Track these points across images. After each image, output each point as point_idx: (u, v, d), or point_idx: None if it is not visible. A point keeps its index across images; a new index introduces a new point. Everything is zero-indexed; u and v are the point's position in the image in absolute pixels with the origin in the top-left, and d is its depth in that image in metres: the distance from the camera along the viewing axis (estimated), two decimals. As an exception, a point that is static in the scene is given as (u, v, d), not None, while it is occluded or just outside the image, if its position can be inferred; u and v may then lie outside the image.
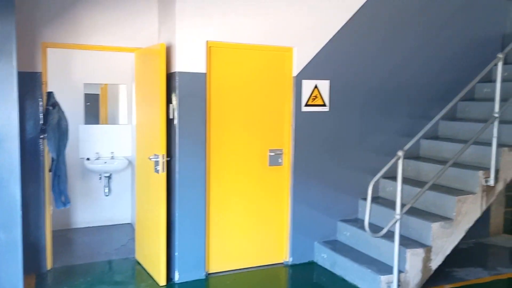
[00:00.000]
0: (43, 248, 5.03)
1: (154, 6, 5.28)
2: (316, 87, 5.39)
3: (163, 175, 4.66)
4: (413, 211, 4.84)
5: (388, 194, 5.58)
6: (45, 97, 4.95)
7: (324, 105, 5.45)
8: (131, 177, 7.01)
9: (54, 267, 5.22)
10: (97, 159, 6.85)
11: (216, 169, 5.03)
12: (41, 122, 4.89)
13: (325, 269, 5.30)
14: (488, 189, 4.80)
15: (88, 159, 6.82)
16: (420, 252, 4.52)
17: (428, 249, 4.55)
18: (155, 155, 4.71)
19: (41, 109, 4.90)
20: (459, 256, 5.63)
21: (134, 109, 5.94)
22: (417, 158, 5.81)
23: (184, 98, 4.73)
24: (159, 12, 5.23)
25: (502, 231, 6.54)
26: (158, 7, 5.27)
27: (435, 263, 4.63)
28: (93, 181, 6.96)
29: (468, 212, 4.72)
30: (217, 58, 4.91)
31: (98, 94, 7.12)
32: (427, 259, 4.57)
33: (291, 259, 5.46)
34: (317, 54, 5.32)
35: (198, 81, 4.77)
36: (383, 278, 4.44)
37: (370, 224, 4.47)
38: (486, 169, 4.82)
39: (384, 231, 4.24)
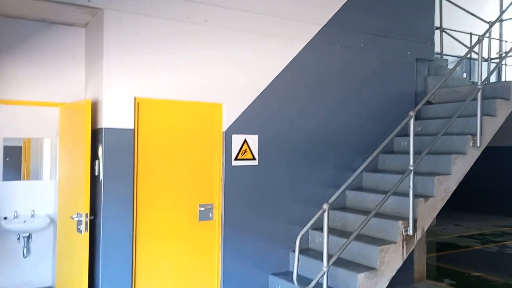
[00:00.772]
0: None
1: (81, 61, 5.24)
2: (245, 141, 5.52)
3: (86, 235, 4.46)
4: (340, 262, 4.96)
5: (317, 246, 5.70)
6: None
7: (253, 158, 5.57)
8: (53, 236, 6.61)
9: None
10: (16, 217, 6.41)
11: (144, 227, 4.90)
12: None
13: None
14: (408, 238, 5.06)
15: (5, 218, 6.36)
16: (348, 303, 4.60)
17: (355, 300, 4.65)
18: (78, 213, 4.51)
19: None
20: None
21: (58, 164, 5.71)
22: (344, 208, 6.02)
23: (110, 154, 4.64)
24: (86, 68, 5.20)
25: (425, 277, 6.84)
26: (85, 62, 5.24)
27: (363, 314, 4.72)
28: (10, 242, 6.46)
29: (390, 261, 4.92)
30: (145, 113, 4.91)
31: (20, 147, 6.77)
32: (355, 310, 4.65)
33: (222, 317, 5.33)
34: (246, 109, 5.49)
35: (126, 137, 4.72)
36: (313, 332, 4.44)
37: (300, 277, 4.52)
38: (405, 219, 5.10)
39: (312, 284, 4.30)
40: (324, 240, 4.30)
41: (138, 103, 4.84)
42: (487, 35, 6.13)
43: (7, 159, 6.49)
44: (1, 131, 6.48)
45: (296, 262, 4.17)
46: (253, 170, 5.55)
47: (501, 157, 11.36)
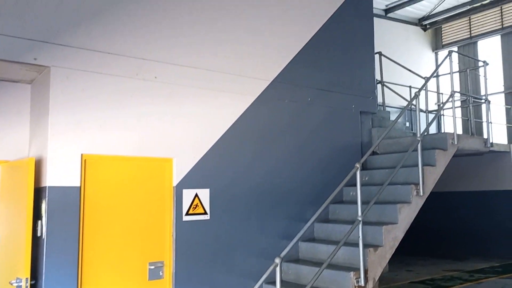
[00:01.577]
0: None
1: (26, 118, 5.11)
2: (196, 195, 5.48)
3: (25, 302, 4.18)
4: (295, 317, 4.90)
5: (271, 300, 5.60)
6: None
7: (205, 213, 5.52)
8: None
9: None
10: None
11: (89, 289, 4.65)
12: None
13: None
14: (360, 289, 5.10)
15: None
16: None
17: None
18: (18, 278, 4.24)
19: None
20: None
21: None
22: (297, 261, 6.02)
23: (54, 213, 4.45)
24: (31, 125, 5.07)
25: (380, 326, 6.86)
26: (30, 119, 5.11)
27: None
28: None
29: (344, 313, 4.91)
30: (93, 170, 4.79)
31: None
32: None
33: None
34: (197, 163, 5.49)
35: (71, 195, 4.57)
36: None
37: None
38: (357, 269, 5.15)
39: None
40: (276, 296, 4.25)
41: (85, 160, 4.74)
42: (424, 88, 6.57)
43: None
44: None
45: (249, 321, 4.08)
46: (205, 224, 5.49)
47: (446, 202, 11.86)
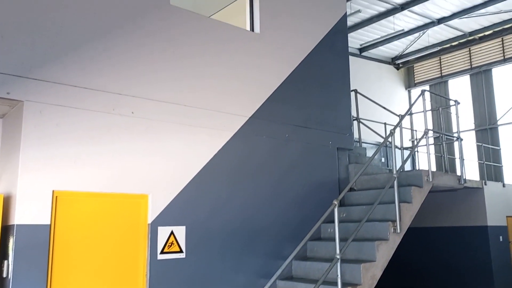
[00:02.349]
0: None
1: (-5, 153, 4.95)
2: (172, 233, 5.34)
3: None
4: None
5: None
6: None
7: (180, 251, 5.37)
8: None
9: None
10: None
11: (56, 334, 4.40)
12: None
13: None
14: (339, 330, 4.98)
15: None
16: None
17: None
18: (-22, 324, 3.98)
19: None
20: None
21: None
22: (275, 300, 5.87)
23: (22, 253, 4.25)
24: (1, 161, 4.90)
25: None
26: (0, 154, 4.95)
27: None
28: None
29: None
30: (64, 207, 4.63)
31: None
32: None
33: None
34: (173, 200, 5.38)
35: (41, 233, 4.38)
36: None
37: None
38: (336, 309, 5.05)
39: None
40: None
41: (56, 197, 4.58)
42: (399, 126, 6.70)
43: None
44: None
45: None
46: (180, 263, 5.33)
47: (423, 238, 11.91)
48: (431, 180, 6.65)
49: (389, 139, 6.59)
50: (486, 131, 17.64)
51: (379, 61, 19.54)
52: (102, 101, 4.96)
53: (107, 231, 4.92)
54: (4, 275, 4.27)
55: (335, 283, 5.18)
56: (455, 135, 7.95)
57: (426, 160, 7.00)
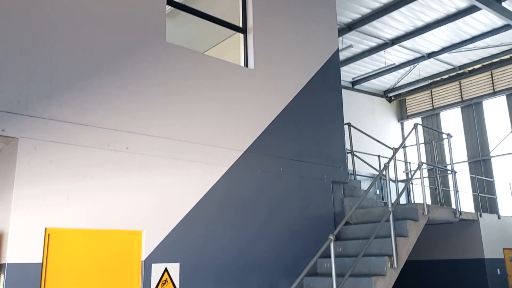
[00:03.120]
0: None
1: (-12, 189, 4.90)
2: (166, 270, 5.24)
3: None
4: None
5: None
6: None
7: (174, 289, 5.26)
8: None
9: None
10: None
11: None
12: None
13: None
14: None
15: None
16: None
17: None
18: None
19: None
20: None
21: None
22: None
23: (11, 293, 4.15)
24: (-7, 197, 4.85)
25: None
26: (-8, 191, 4.90)
27: None
28: None
29: None
30: (57, 245, 4.55)
31: None
32: None
33: None
34: (167, 236, 5.31)
35: (32, 272, 4.29)
36: None
37: None
38: None
39: None
40: None
41: (48, 234, 4.51)
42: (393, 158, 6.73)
43: None
44: None
45: None
46: (174, 302, 5.21)
47: (419, 271, 11.77)
48: (426, 213, 6.63)
49: (384, 172, 6.61)
50: (479, 162, 17.77)
51: (371, 94, 19.84)
52: (96, 136, 4.97)
53: (100, 269, 4.82)
54: (-7, 316, 4.15)
55: (333, 321, 5.08)
56: (449, 167, 8.00)
57: (421, 193, 7.00)
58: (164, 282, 5.20)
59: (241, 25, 6.97)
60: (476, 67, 17.82)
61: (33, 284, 4.29)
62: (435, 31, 14.89)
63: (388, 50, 16.18)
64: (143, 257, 5.10)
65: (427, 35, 15.13)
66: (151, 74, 5.59)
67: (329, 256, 5.36)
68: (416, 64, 17.41)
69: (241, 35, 6.98)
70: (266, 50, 7.00)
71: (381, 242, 6.17)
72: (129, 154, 5.20)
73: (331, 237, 5.25)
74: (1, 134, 4.35)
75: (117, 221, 4.99)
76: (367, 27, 14.57)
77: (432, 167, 14.44)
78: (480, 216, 11.02)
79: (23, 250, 4.29)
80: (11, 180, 4.46)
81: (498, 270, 11.22)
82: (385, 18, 14.01)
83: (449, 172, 7.93)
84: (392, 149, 7.35)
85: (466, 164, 18.14)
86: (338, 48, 8.25)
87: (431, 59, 17.02)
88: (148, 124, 5.42)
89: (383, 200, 11.93)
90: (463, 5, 13.52)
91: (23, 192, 4.40)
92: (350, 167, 9.18)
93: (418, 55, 16.79)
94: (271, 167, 6.56)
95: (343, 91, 8.74)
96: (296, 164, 6.89)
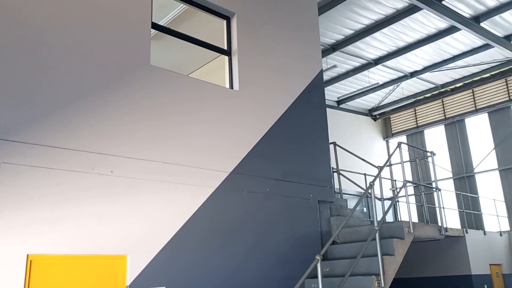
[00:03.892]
0: None
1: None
2: (151, 295, 5.16)
3: None
4: None
5: None
6: None
7: (160, 314, 5.17)
8: None
9: None
10: None
11: None
12: None
13: None
14: None
15: None
16: None
17: None
18: None
19: None
20: None
21: None
22: None
23: (-9, 323, 4.04)
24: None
25: None
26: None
27: None
28: None
29: None
30: (39, 272, 4.46)
31: None
32: None
33: None
34: (152, 260, 5.25)
35: (13, 301, 4.19)
36: None
37: None
38: None
39: None
40: None
41: (31, 261, 4.43)
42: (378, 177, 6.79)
43: None
44: None
45: None
46: (160, 327, 5.11)
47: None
48: (412, 231, 6.67)
49: (369, 191, 6.65)
50: (464, 179, 17.98)
51: (356, 113, 20.08)
52: (80, 161, 4.93)
53: (84, 296, 4.73)
54: None
55: None
56: (434, 184, 8.08)
57: (407, 210, 7.05)
58: (149, 307, 5.11)
59: (226, 47, 7.05)
60: (457, 85, 18.20)
61: (14, 312, 4.19)
62: (417, 51, 15.23)
63: (372, 69, 16.47)
64: (128, 282, 5.02)
65: (409, 55, 15.46)
66: (136, 97, 5.60)
67: (317, 277, 5.34)
68: (399, 83, 17.73)
69: (226, 57, 7.05)
70: (251, 72, 7.08)
71: (368, 261, 6.17)
72: (114, 178, 5.16)
73: (317, 257, 5.24)
74: (-17, 160, 4.30)
75: (102, 246, 4.92)
76: (350, 48, 14.84)
77: (417, 185, 14.59)
78: (466, 232, 11.11)
79: (4, 278, 4.19)
80: (-8, 206, 4.39)
81: (486, 286, 11.26)
82: (367, 39, 14.31)
83: (433, 189, 8.00)
84: (377, 167, 7.42)
85: (452, 180, 18.34)
86: (322, 69, 8.38)
87: (414, 78, 17.36)
88: (133, 147, 5.40)
89: (370, 218, 11.97)
90: (443, 25, 13.88)
91: (5, 218, 4.33)
92: (336, 186, 9.22)
93: (401, 74, 17.11)
94: (257, 188, 6.56)
95: (329, 110, 8.85)
96: (283, 185, 6.90)
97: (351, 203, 14.36)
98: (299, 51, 7.96)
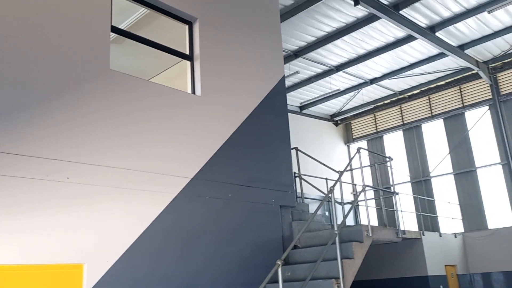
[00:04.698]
0: None
1: None
2: (109, 304, 5.04)
3: None
4: None
5: None
6: None
7: (119, 324, 5.05)
8: None
9: None
10: None
11: None
12: None
13: None
14: None
15: None
16: None
17: None
18: None
19: None
20: None
21: None
22: None
23: None
24: None
25: None
26: None
27: None
28: None
29: None
30: (-11, 283, 4.28)
31: None
32: None
33: None
34: (110, 269, 5.12)
35: (-40, 314, 3.99)
36: None
37: None
38: None
39: None
40: None
41: (-20, 272, 4.23)
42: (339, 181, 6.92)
43: None
44: None
45: None
46: (118, 337, 5.00)
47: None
48: (371, 235, 6.82)
49: (330, 195, 6.76)
50: (421, 183, 18.58)
51: (319, 118, 20.40)
52: (33, 167, 4.76)
53: (37, 307, 4.56)
54: None
55: None
56: (392, 189, 8.31)
57: (366, 214, 7.21)
58: (107, 317, 4.98)
59: (188, 52, 7.01)
60: (415, 92, 18.83)
61: (-39, 327, 3.99)
62: (376, 59, 15.66)
63: (333, 76, 16.80)
64: (85, 292, 4.88)
65: (369, 62, 15.88)
66: (94, 101, 5.48)
67: (278, 281, 5.37)
68: (359, 90, 18.16)
69: (188, 63, 7.01)
70: (213, 77, 7.07)
71: (328, 265, 6.26)
72: (70, 185, 5.02)
73: (278, 262, 5.28)
74: None
75: (57, 255, 4.76)
76: (313, 54, 15.09)
77: (375, 189, 14.97)
78: (423, 234, 11.48)
79: (-49, 291, 3.99)
80: None
81: (441, 286, 11.67)
82: (329, 45, 14.59)
83: (392, 193, 8.23)
84: (338, 172, 7.55)
85: (410, 184, 18.91)
86: (284, 75, 8.47)
87: (374, 85, 17.84)
88: (90, 153, 5.27)
89: (331, 222, 12.16)
90: (400, 34, 14.34)
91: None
92: (298, 191, 9.32)
93: (361, 81, 17.54)
94: (219, 193, 6.54)
95: (292, 115, 8.96)
96: (245, 190, 6.91)
97: (313, 208, 14.56)
98: (261, 57, 8.02)
